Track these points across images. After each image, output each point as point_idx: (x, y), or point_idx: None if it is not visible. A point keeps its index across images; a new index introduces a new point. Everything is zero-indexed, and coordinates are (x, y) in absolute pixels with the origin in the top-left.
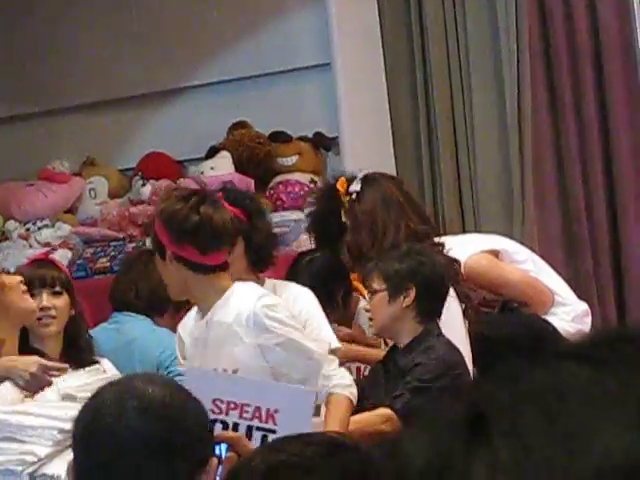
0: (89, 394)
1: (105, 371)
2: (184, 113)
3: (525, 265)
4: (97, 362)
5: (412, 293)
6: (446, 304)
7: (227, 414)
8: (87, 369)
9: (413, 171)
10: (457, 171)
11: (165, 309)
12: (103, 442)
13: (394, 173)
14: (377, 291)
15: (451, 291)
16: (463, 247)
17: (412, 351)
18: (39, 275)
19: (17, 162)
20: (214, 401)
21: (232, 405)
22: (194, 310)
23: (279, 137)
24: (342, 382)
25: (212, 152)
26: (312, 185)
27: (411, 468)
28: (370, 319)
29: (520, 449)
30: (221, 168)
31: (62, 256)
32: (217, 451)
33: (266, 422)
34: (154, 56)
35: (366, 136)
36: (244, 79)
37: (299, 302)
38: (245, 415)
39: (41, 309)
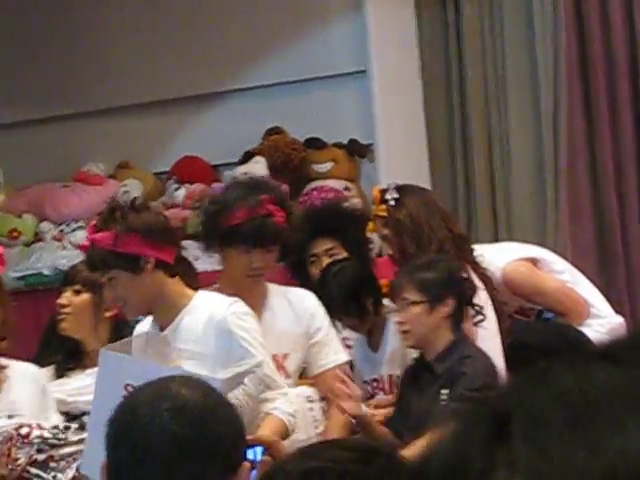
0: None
1: None
2: (220, 118)
3: (563, 276)
4: None
5: (451, 303)
6: (486, 310)
7: None
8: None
9: (447, 179)
10: (491, 179)
11: None
12: (136, 443)
13: (428, 181)
14: (415, 302)
15: (488, 301)
16: (501, 254)
17: (446, 359)
18: None
19: (53, 163)
20: (126, 386)
21: None
22: (143, 325)
23: (314, 143)
24: (283, 407)
25: (247, 157)
26: (346, 192)
27: (431, 467)
28: (403, 331)
29: (541, 451)
30: (255, 173)
31: None
32: (251, 454)
33: None
34: (191, 60)
35: (401, 143)
36: (280, 85)
37: (318, 310)
38: None
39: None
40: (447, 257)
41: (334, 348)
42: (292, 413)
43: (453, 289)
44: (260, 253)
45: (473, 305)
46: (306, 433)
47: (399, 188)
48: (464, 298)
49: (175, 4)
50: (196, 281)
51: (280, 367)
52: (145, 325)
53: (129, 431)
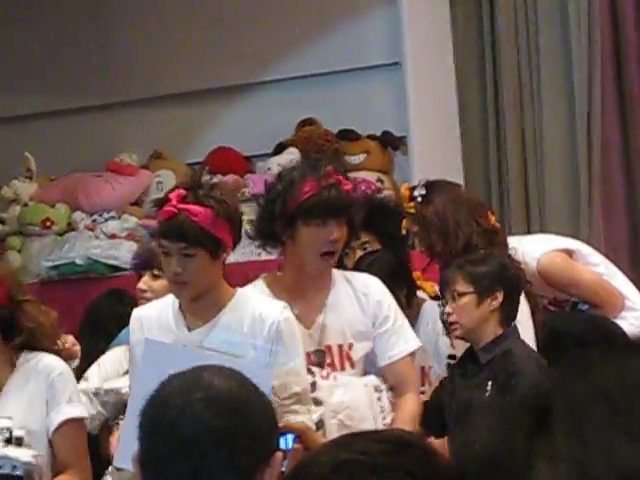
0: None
1: None
2: (253, 109)
3: (598, 268)
4: None
5: (500, 296)
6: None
7: None
8: None
9: (480, 171)
10: (524, 172)
11: None
12: (168, 433)
13: (461, 173)
14: (464, 294)
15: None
16: (536, 245)
17: (491, 350)
18: None
19: (86, 153)
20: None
21: None
22: (158, 307)
23: (347, 135)
24: (307, 422)
25: (280, 148)
26: (379, 183)
27: (472, 454)
28: (450, 323)
29: (582, 441)
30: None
31: (128, 248)
32: (283, 442)
33: None
34: (225, 51)
35: (434, 136)
36: (314, 76)
37: (384, 297)
38: None
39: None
40: (500, 253)
41: (403, 336)
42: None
43: (503, 283)
44: (335, 224)
45: None
46: (373, 423)
47: (428, 184)
48: (515, 293)
49: None
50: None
51: (346, 357)
52: (147, 314)
53: (161, 421)
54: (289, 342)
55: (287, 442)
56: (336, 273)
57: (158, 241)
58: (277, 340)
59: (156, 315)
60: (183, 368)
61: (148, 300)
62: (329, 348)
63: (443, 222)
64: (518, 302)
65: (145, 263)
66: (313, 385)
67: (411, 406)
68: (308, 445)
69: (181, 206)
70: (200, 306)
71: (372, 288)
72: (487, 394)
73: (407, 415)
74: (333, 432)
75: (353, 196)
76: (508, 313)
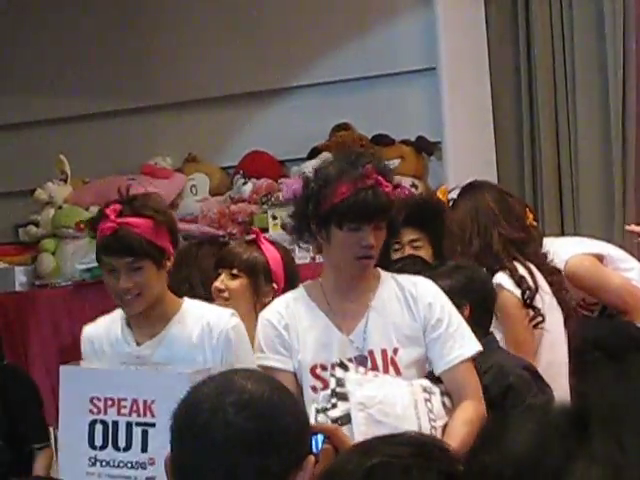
0: None
1: None
2: (287, 113)
3: (630, 274)
4: None
5: (466, 310)
6: (550, 313)
7: (106, 412)
8: None
9: (515, 177)
10: (559, 178)
11: None
12: (199, 436)
13: (495, 179)
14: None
15: (554, 301)
16: (567, 247)
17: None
18: None
19: (120, 156)
20: (92, 399)
21: (110, 402)
22: (105, 325)
23: (382, 140)
24: None
25: (314, 153)
26: (413, 189)
27: (510, 457)
28: None
29: (619, 445)
30: None
31: None
32: (312, 442)
33: (144, 415)
34: (260, 56)
35: (469, 141)
36: (348, 81)
37: (437, 298)
38: (123, 411)
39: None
40: (470, 264)
41: (460, 340)
42: None
43: (469, 296)
44: (370, 230)
45: (534, 308)
46: (417, 423)
47: (464, 187)
48: (485, 304)
49: (243, 0)
50: None
51: (390, 362)
52: (97, 333)
53: (192, 425)
54: (239, 350)
55: (317, 443)
56: (383, 273)
57: (99, 259)
58: (227, 348)
59: (105, 333)
60: (104, 391)
61: (225, 300)
62: (371, 353)
63: (462, 229)
64: (491, 312)
65: (223, 262)
66: (339, 381)
67: (467, 413)
68: (337, 445)
69: (120, 220)
70: (148, 319)
71: (422, 289)
72: None
73: (459, 421)
74: (360, 425)
75: (393, 198)
76: (480, 325)
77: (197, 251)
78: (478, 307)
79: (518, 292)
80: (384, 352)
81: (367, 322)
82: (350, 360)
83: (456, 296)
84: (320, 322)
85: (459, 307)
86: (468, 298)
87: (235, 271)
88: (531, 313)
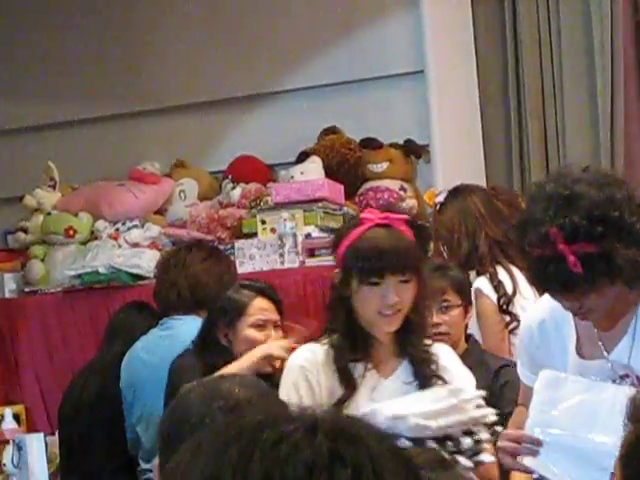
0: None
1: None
2: (275, 117)
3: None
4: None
5: (471, 309)
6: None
7: None
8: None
9: (503, 180)
10: None
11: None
12: (187, 442)
13: (484, 181)
14: (456, 306)
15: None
16: None
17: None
18: None
19: (108, 162)
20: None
21: None
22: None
23: (370, 143)
24: None
25: (302, 157)
26: (402, 192)
27: None
28: (441, 333)
29: None
30: (311, 173)
31: (150, 257)
32: None
33: None
34: (247, 59)
35: (457, 144)
36: (336, 85)
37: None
38: None
39: None
40: (451, 265)
41: None
42: None
43: (466, 297)
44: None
45: (509, 313)
46: None
47: (451, 191)
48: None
49: (230, 4)
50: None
51: None
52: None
53: (181, 430)
54: None
55: None
56: None
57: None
58: None
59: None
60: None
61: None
62: None
63: (450, 231)
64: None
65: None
66: None
67: None
68: None
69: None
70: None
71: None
72: None
73: None
74: None
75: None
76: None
77: (185, 256)
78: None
79: (495, 297)
80: None
81: None
82: None
83: (470, 293)
84: None
85: (471, 304)
86: (465, 299)
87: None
88: (507, 318)
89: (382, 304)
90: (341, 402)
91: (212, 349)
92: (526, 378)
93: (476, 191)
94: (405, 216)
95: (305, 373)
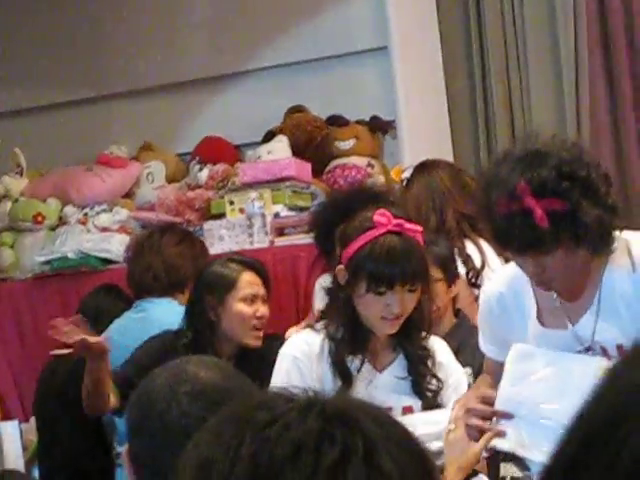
0: None
1: None
2: (241, 97)
3: None
4: None
5: (459, 282)
6: None
7: None
8: None
9: (470, 153)
10: None
11: (185, 285)
12: (154, 427)
13: (451, 156)
14: (437, 279)
15: None
16: None
17: (455, 338)
18: None
19: (75, 147)
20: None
21: None
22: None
23: (336, 121)
24: None
25: (269, 136)
26: (369, 169)
27: None
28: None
29: None
30: (278, 152)
31: (120, 241)
32: None
33: None
34: (211, 41)
35: (423, 119)
36: (301, 63)
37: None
38: None
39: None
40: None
41: None
42: None
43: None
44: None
45: (478, 287)
46: None
47: (417, 167)
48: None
49: None
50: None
51: None
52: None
53: (147, 416)
54: None
55: None
56: None
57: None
58: None
59: None
60: None
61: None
62: None
63: (417, 206)
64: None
65: None
66: None
67: None
68: None
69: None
70: None
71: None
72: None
73: None
74: None
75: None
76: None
77: (160, 239)
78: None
79: (464, 271)
80: None
81: None
82: None
83: (454, 265)
84: None
85: (457, 277)
86: (447, 274)
87: None
88: (476, 292)
89: (386, 311)
90: None
91: (200, 325)
92: (489, 351)
93: (442, 166)
94: (419, 227)
95: (298, 364)
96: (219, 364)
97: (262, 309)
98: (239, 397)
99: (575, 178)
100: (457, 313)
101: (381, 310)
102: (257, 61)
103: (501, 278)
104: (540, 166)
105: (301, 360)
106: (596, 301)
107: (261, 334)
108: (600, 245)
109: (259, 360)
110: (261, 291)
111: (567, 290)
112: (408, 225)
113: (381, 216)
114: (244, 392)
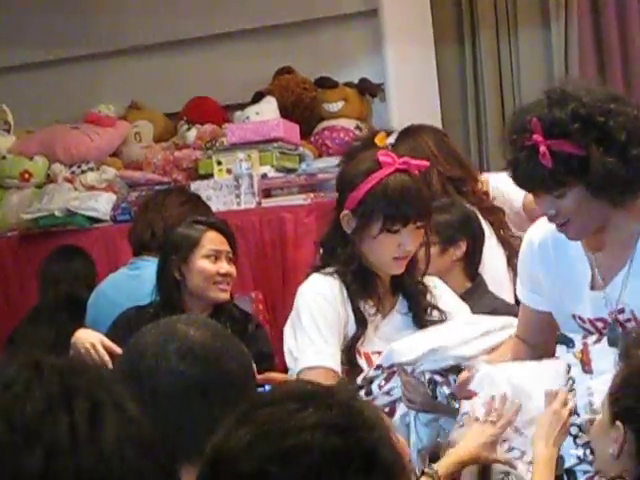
0: None
1: None
2: (230, 58)
3: None
4: None
5: (463, 246)
6: (490, 253)
7: None
8: None
9: (459, 117)
10: (502, 114)
11: None
12: (143, 384)
13: (439, 120)
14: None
15: (492, 241)
16: None
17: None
18: None
19: (63, 105)
20: None
21: None
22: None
23: (325, 83)
24: None
25: (257, 97)
26: (357, 131)
27: None
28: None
29: None
30: (266, 113)
31: (107, 199)
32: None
33: None
34: (201, 1)
35: (412, 82)
36: (291, 25)
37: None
38: None
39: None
40: (461, 203)
41: None
42: None
43: (467, 232)
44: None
45: None
46: None
47: (402, 132)
48: (479, 244)
49: None
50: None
51: None
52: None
53: (137, 373)
54: None
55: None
56: None
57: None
58: None
59: None
60: None
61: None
62: None
63: None
64: (481, 254)
65: None
66: None
67: None
68: None
69: None
70: None
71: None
72: None
73: None
74: None
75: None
76: (472, 263)
77: (164, 199)
78: (472, 245)
79: None
80: None
81: None
82: None
83: (455, 231)
84: None
85: (456, 242)
86: (465, 234)
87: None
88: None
89: (399, 251)
90: (355, 339)
91: (167, 286)
92: (525, 298)
93: (427, 131)
94: (424, 162)
95: (329, 302)
96: (208, 323)
97: (226, 266)
98: (226, 355)
99: (590, 122)
100: (474, 277)
101: (394, 250)
102: (247, 22)
103: (548, 225)
104: (559, 106)
105: (329, 299)
106: (629, 262)
107: (227, 288)
108: (618, 198)
109: (232, 322)
110: (225, 248)
111: (589, 239)
112: (414, 162)
113: (385, 156)
114: (232, 351)
